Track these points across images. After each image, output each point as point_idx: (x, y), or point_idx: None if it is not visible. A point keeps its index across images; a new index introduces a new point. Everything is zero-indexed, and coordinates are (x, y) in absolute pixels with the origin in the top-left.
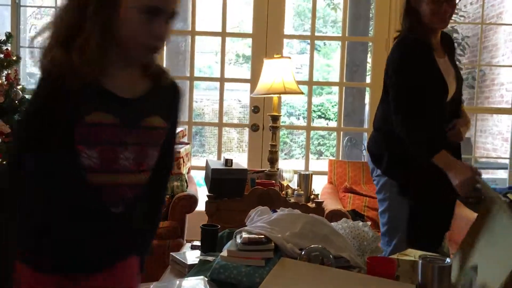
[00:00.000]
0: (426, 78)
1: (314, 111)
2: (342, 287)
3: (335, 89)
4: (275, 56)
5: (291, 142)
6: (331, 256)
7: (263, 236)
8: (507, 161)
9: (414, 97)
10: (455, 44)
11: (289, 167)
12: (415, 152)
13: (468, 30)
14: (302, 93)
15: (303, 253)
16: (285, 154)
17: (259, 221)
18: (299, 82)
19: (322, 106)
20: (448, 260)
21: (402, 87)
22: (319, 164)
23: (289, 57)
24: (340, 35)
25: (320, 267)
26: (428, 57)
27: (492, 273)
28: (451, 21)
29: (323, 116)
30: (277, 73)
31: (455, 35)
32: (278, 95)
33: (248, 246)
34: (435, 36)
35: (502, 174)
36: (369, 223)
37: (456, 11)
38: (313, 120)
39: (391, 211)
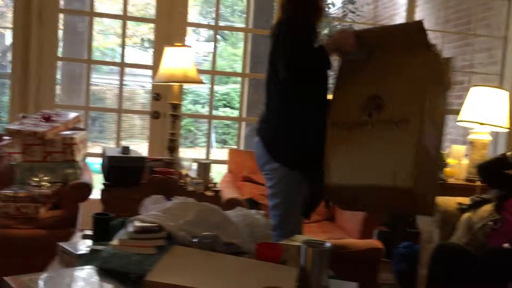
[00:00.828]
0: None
1: (220, 100)
2: (229, 271)
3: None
4: (176, 44)
5: (196, 130)
6: (222, 243)
7: (155, 225)
8: None
9: (302, 49)
10: None
11: (188, 156)
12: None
13: None
14: (202, 82)
15: (195, 240)
16: (190, 142)
17: (153, 210)
18: (204, 71)
19: (227, 95)
20: (327, 244)
21: (290, 44)
22: (223, 153)
23: (190, 46)
24: (245, 26)
25: (210, 253)
26: (315, 34)
27: None
28: (348, 19)
29: (228, 105)
30: (178, 61)
31: None
32: (178, 83)
33: (140, 235)
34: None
35: None
36: (263, 212)
37: (353, 10)
38: (218, 109)
39: (285, 199)
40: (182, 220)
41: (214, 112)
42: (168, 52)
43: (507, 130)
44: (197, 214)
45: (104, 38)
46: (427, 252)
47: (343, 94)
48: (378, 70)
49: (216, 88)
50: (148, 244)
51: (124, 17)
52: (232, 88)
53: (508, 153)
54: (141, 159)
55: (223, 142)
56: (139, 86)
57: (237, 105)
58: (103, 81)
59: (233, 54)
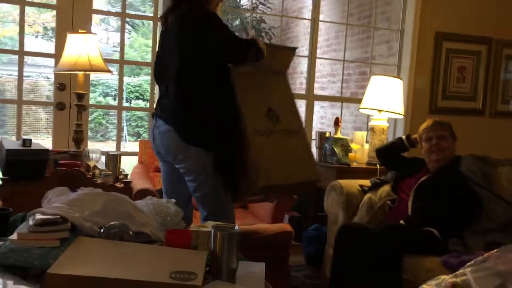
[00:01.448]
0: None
1: (132, 91)
2: (138, 259)
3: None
4: (80, 31)
5: (108, 124)
6: (130, 232)
7: (58, 216)
8: None
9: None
10: (263, 34)
11: (96, 147)
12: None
13: (274, 21)
14: (109, 71)
15: (102, 231)
16: (101, 136)
17: (56, 202)
18: (112, 61)
19: (140, 87)
20: (236, 227)
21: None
22: (137, 146)
23: (95, 33)
24: (153, 15)
25: (118, 243)
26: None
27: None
28: (259, 11)
29: (141, 97)
30: (82, 49)
31: (263, 25)
32: (83, 72)
33: (41, 228)
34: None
35: None
36: (173, 200)
37: (264, 2)
38: (131, 101)
39: (213, 186)
40: (88, 211)
41: (127, 105)
42: (71, 39)
43: (402, 116)
44: (104, 204)
45: (1, 26)
46: (334, 233)
47: (249, 104)
48: (264, 87)
49: (128, 80)
50: (51, 237)
51: (23, 2)
52: (145, 80)
53: (403, 137)
54: (44, 151)
55: (137, 135)
56: (44, 77)
57: (149, 98)
58: (1, 72)
59: (145, 45)
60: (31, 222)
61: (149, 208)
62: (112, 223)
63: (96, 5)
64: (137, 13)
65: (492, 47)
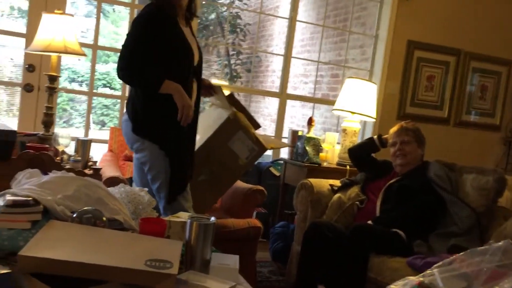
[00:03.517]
0: (165, 34)
1: (99, 79)
2: (112, 245)
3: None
4: (56, 11)
5: (72, 110)
6: (104, 218)
7: (30, 198)
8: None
9: (139, 45)
10: (238, 30)
11: (65, 133)
12: (144, 88)
13: (250, 18)
14: (84, 54)
15: (75, 215)
16: (64, 122)
17: (27, 184)
18: (84, 45)
19: (108, 74)
20: (212, 218)
21: (131, 36)
22: (101, 134)
23: (72, 15)
24: (130, 1)
25: (91, 228)
26: (170, 19)
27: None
28: (235, 6)
29: (108, 85)
30: (58, 30)
31: (238, 21)
32: (57, 54)
33: (12, 209)
34: (180, 7)
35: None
36: (146, 189)
37: None
38: (97, 89)
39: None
40: (60, 194)
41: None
42: (46, 19)
43: (374, 120)
44: (77, 188)
45: None
46: (302, 230)
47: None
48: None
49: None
50: (22, 219)
51: None
52: (113, 68)
53: (375, 137)
54: (12, 132)
55: (102, 124)
56: (7, 58)
57: (118, 86)
58: None
59: (114, 33)
60: (1, 202)
61: (122, 195)
62: (85, 208)
63: None
64: None
65: (460, 59)
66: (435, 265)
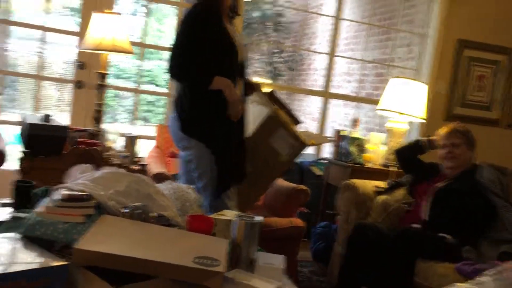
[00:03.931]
0: (212, 33)
1: (144, 76)
2: (161, 241)
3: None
4: (105, 11)
5: (118, 106)
6: (153, 214)
7: (84, 193)
8: None
9: (188, 44)
10: (281, 28)
11: (114, 129)
12: (195, 85)
13: (293, 16)
14: (132, 52)
15: (126, 210)
16: (110, 118)
17: (81, 179)
18: (135, 43)
19: (152, 71)
20: (258, 218)
21: (181, 35)
22: (146, 130)
23: (119, 14)
24: (178, 0)
25: (141, 223)
26: (216, 17)
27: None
28: (278, 4)
29: (152, 82)
30: (108, 29)
31: (282, 19)
32: (107, 52)
33: (68, 203)
34: (225, 5)
35: (309, 149)
36: (192, 186)
37: None
38: (141, 85)
39: (211, 177)
40: (112, 189)
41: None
42: (96, 18)
43: (423, 121)
44: (128, 184)
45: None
46: (345, 232)
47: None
48: None
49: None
50: (76, 213)
51: None
52: (157, 65)
53: (423, 139)
54: (64, 128)
55: (145, 120)
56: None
57: (162, 83)
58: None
59: (158, 30)
60: (57, 196)
61: (169, 192)
62: (136, 203)
63: None
64: None
65: None
66: (485, 273)
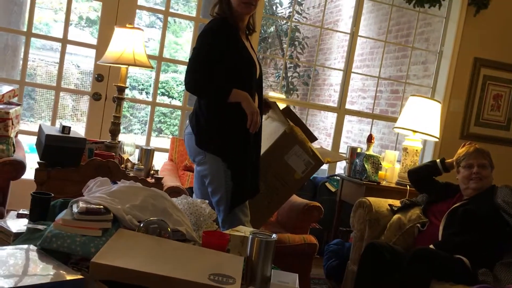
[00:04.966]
0: (229, 48)
1: (159, 88)
2: (177, 256)
3: (181, 68)
4: (127, 25)
5: (131, 117)
6: (168, 229)
7: (101, 207)
8: None
9: (206, 58)
10: (296, 43)
11: (130, 141)
12: (213, 99)
13: (308, 32)
14: (151, 67)
15: (141, 225)
16: (124, 128)
17: (98, 192)
18: (149, 57)
19: (166, 83)
20: (273, 236)
21: (198, 49)
22: (159, 141)
23: (141, 29)
24: (194, 15)
25: (157, 238)
26: (234, 33)
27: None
28: (294, 20)
29: (166, 93)
30: (128, 43)
31: (297, 34)
32: (126, 66)
33: (85, 216)
34: (242, 22)
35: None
36: (207, 201)
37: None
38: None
39: (226, 191)
40: (129, 203)
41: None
42: (118, 32)
43: (437, 139)
44: (144, 198)
45: (38, 12)
46: (358, 250)
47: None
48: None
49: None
50: (94, 226)
51: None
52: (172, 77)
53: (438, 160)
54: (82, 140)
55: (159, 131)
56: (74, 65)
57: (176, 95)
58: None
59: (175, 43)
60: (75, 209)
61: (184, 207)
62: (151, 218)
63: (139, 1)
64: (173, 11)
65: None
66: None
